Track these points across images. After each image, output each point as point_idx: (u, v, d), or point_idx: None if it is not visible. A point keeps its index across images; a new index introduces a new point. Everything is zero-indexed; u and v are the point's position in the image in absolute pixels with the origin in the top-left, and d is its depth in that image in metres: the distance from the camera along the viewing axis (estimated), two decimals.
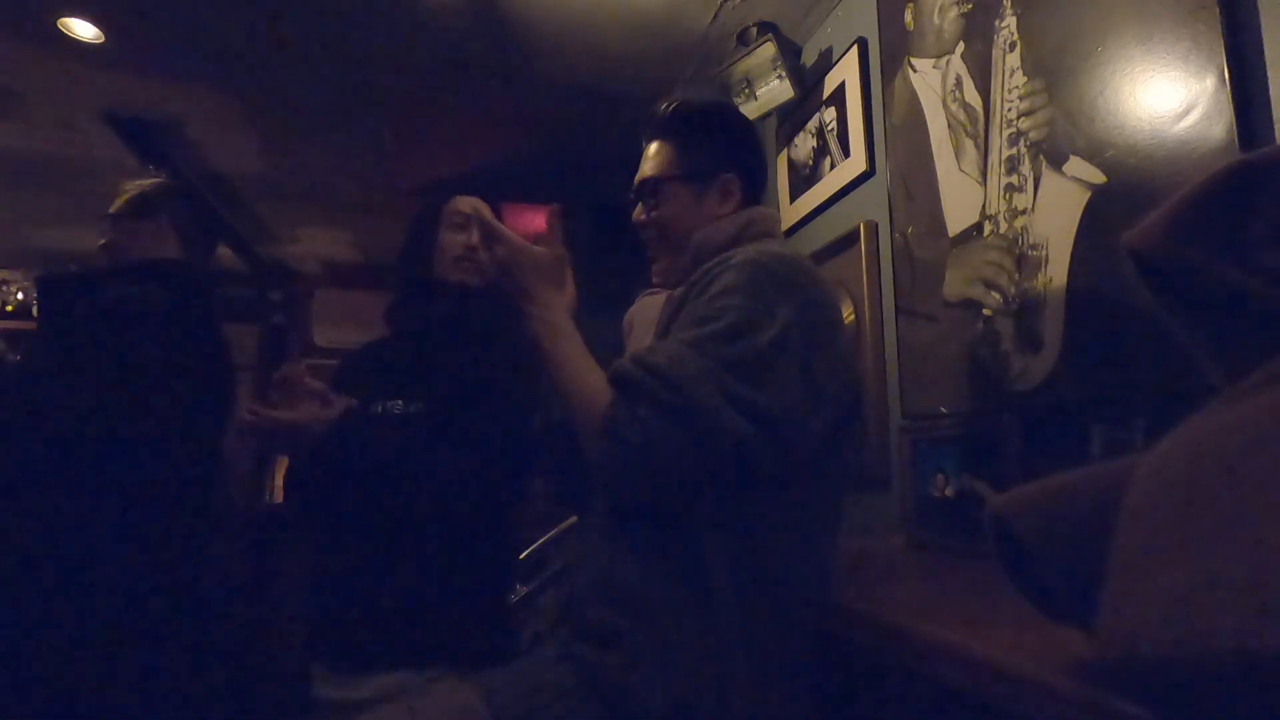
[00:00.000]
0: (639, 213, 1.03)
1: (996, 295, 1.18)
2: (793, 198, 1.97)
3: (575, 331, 0.85)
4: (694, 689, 0.73)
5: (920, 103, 1.42)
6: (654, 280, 1.05)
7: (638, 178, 1.03)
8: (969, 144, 1.27)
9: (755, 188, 1.04)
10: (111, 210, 1.47)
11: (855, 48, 1.68)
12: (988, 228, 1.21)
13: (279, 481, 3.60)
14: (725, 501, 0.78)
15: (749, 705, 0.75)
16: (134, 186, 1.50)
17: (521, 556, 1.56)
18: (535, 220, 3.42)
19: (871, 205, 1.61)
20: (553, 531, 1.69)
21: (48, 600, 1.16)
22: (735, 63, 1.86)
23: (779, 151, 2.07)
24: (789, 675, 0.80)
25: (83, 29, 2.00)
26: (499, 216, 0.97)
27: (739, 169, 1.00)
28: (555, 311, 0.84)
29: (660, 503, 0.79)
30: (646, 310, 1.02)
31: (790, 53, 1.84)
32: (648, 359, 0.75)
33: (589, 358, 0.83)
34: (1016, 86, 1.16)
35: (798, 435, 0.76)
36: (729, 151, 1.01)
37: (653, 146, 1.02)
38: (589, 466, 0.79)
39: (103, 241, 1.47)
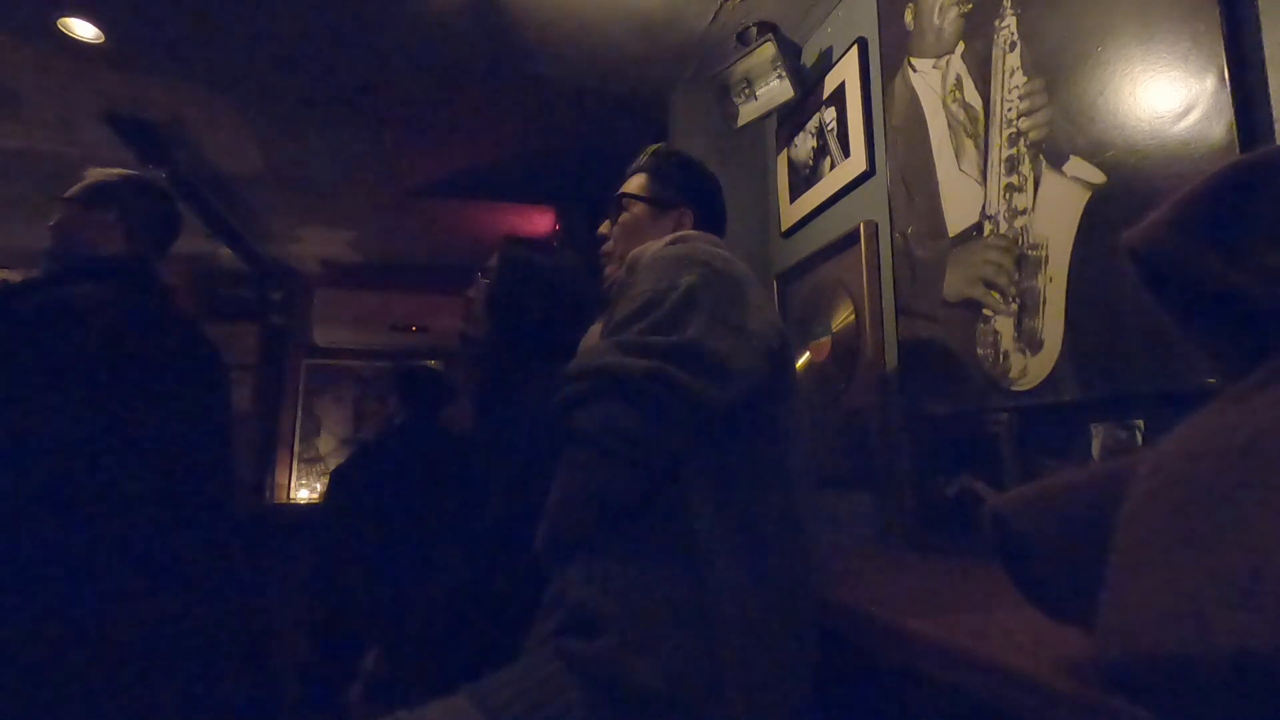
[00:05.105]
0: (604, 227, 1.16)
1: (996, 295, 1.18)
2: (793, 198, 1.97)
3: None
4: (687, 664, 0.73)
5: (920, 103, 1.42)
6: (603, 293, 1.14)
7: (616, 194, 1.16)
8: (969, 144, 1.27)
9: (709, 227, 1.12)
10: (66, 195, 1.42)
11: (855, 48, 1.68)
12: (988, 228, 1.21)
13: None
14: (691, 467, 0.80)
15: (742, 678, 0.75)
16: (96, 175, 1.45)
17: None
18: (536, 220, 3.42)
19: (871, 205, 1.61)
20: None
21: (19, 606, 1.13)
22: (735, 63, 1.85)
23: (779, 151, 2.07)
24: (780, 646, 0.80)
25: (83, 29, 2.00)
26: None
27: (696, 206, 1.13)
28: None
29: (648, 470, 0.79)
30: (592, 337, 1.07)
31: (790, 53, 1.84)
32: (569, 370, 0.83)
33: None
34: (1016, 86, 1.16)
35: (723, 365, 0.79)
36: (690, 190, 1.14)
37: (634, 178, 1.17)
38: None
39: (51, 222, 1.41)
